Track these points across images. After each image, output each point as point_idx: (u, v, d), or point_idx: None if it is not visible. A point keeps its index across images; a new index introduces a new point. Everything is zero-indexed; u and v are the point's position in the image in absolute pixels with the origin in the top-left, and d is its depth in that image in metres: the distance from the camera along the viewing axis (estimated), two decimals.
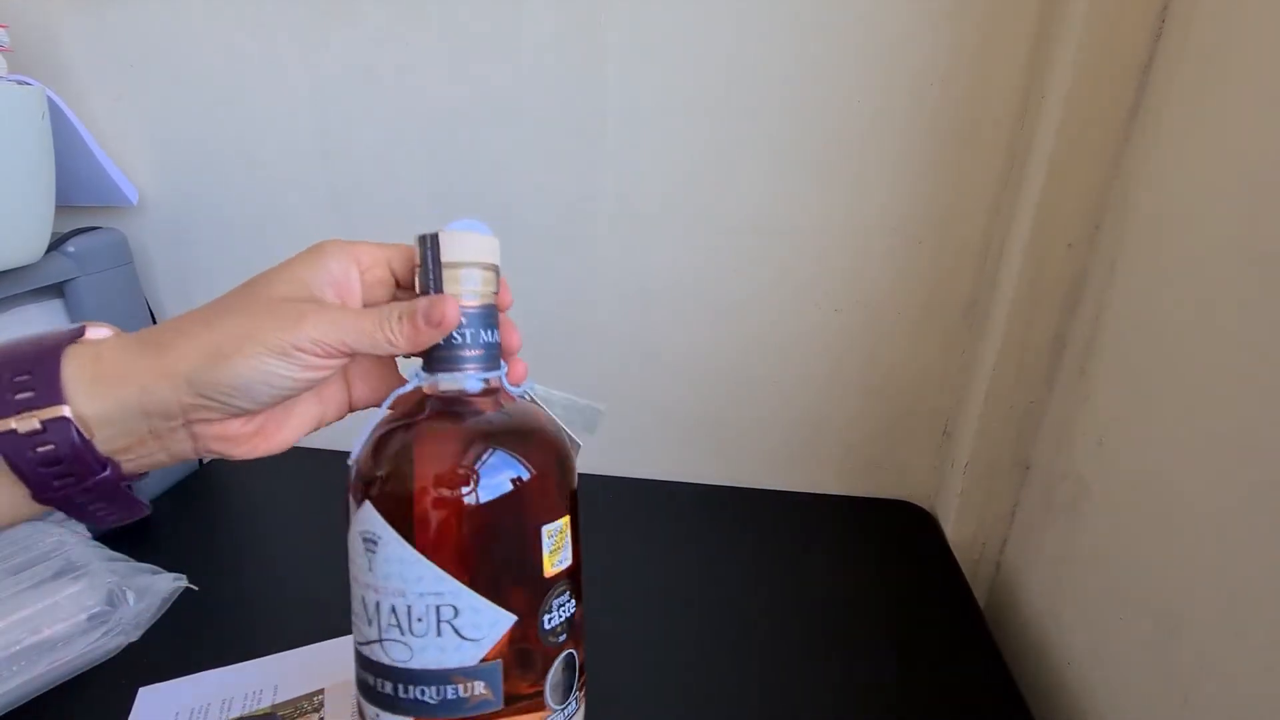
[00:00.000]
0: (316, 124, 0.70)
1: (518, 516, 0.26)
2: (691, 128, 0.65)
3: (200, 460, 0.88)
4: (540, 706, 0.26)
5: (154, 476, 0.78)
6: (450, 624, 0.24)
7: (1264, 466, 0.37)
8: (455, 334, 0.26)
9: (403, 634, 0.24)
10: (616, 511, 0.71)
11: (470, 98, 0.67)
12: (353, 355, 0.28)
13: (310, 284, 0.28)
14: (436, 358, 0.27)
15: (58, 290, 0.69)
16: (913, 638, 0.58)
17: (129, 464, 0.27)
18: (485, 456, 0.25)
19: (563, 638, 0.27)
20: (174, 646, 0.55)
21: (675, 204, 0.68)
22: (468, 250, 0.26)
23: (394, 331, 0.27)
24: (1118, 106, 0.52)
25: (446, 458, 0.25)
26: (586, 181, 0.68)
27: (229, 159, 0.73)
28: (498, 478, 0.25)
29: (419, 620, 0.24)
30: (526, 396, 0.29)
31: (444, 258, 0.26)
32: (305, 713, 0.50)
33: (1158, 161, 0.49)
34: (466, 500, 0.25)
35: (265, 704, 0.51)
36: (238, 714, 0.50)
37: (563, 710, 0.27)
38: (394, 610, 0.24)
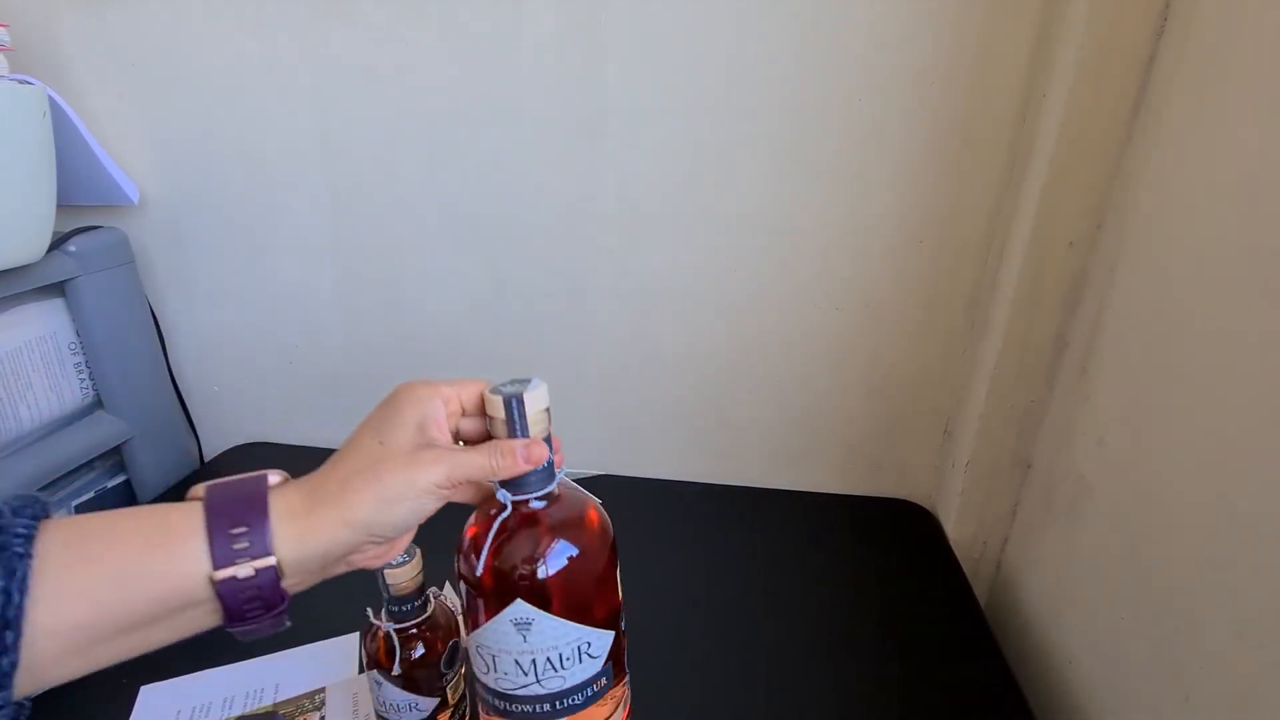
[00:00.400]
0: (317, 123, 0.70)
1: (609, 573, 0.37)
2: (692, 127, 0.65)
3: (201, 459, 0.88)
4: (624, 672, 0.40)
5: (156, 475, 0.79)
6: (587, 653, 0.35)
7: (1265, 466, 0.37)
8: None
9: (557, 671, 0.35)
10: (618, 511, 0.71)
11: (470, 97, 0.67)
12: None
13: (424, 429, 0.34)
14: (522, 482, 0.35)
15: (59, 289, 0.69)
16: (913, 636, 0.58)
17: (293, 589, 0.32)
18: (588, 544, 0.36)
19: (624, 631, 0.39)
20: (176, 644, 0.55)
21: (675, 203, 0.68)
22: (539, 403, 0.35)
23: (499, 465, 0.34)
24: (1119, 105, 0.52)
25: (567, 554, 0.35)
26: (586, 181, 0.68)
27: (230, 158, 0.73)
28: (598, 555, 0.37)
29: (568, 659, 0.35)
30: (562, 478, 0.38)
31: (528, 413, 0.34)
32: (306, 711, 0.50)
33: (1159, 161, 0.49)
34: (587, 578, 0.36)
35: (267, 702, 0.51)
36: (239, 712, 0.50)
37: (628, 671, 0.41)
38: (549, 660, 0.35)
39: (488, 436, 0.36)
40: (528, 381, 0.35)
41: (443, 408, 0.35)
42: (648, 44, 0.62)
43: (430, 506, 0.33)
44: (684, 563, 0.66)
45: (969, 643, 0.58)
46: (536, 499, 0.36)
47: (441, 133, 0.69)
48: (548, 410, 0.35)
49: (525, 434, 0.34)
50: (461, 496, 0.37)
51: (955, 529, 0.71)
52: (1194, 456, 0.43)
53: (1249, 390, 0.39)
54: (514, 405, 0.34)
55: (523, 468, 0.34)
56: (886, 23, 0.58)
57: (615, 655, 0.38)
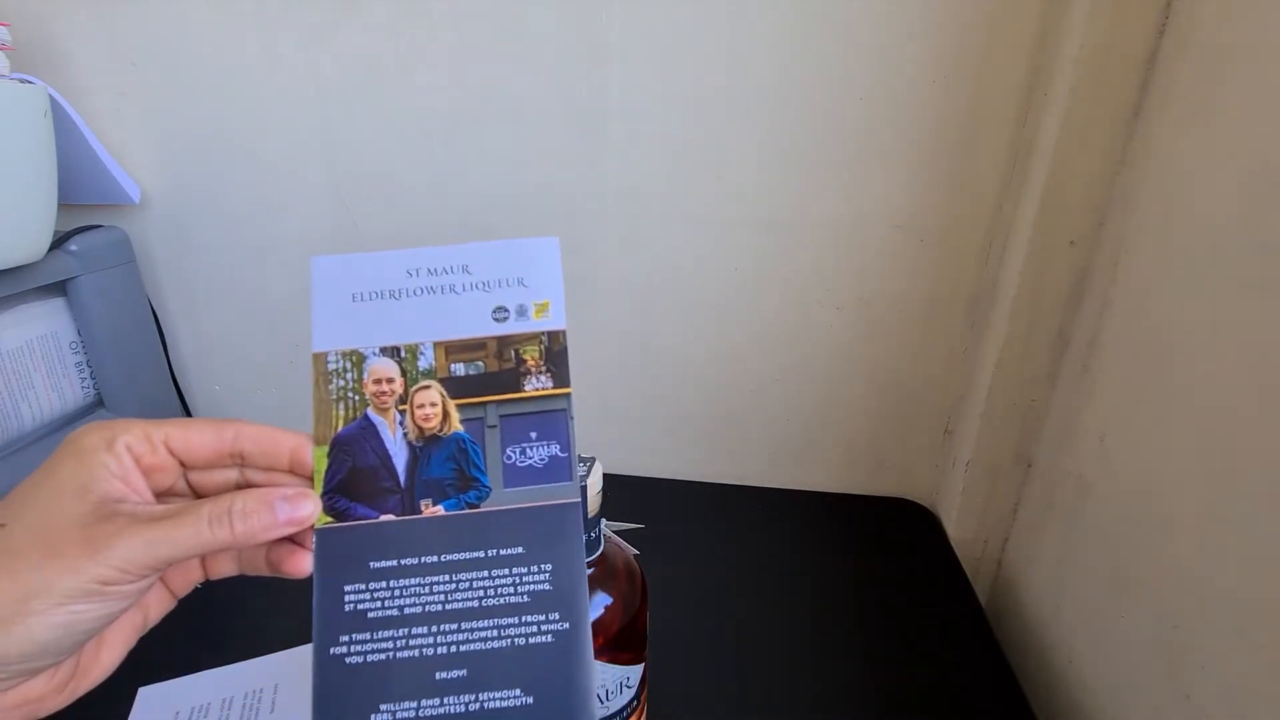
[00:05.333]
0: (319, 120, 0.70)
1: (644, 617, 0.40)
2: (694, 124, 0.64)
3: None
4: (644, 691, 0.43)
5: None
6: (626, 685, 0.39)
7: (1266, 465, 0.37)
8: (590, 535, 0.35)
9: (603, 704, 0.38)
10: (619, 511, 0.71)
11: (472, 93, 0.67)
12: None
13: (93, 491, 0.24)
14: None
15: (60, 289, 0.69)
16: (914, 636, 0.58)
17: None
18: (631, 598, 0.39)
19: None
20: (173, 645, 0.55)
21: (676, 202, 0.68)
22: (597, 485, 0.35)
23: (234, 525, 0.25)
24: (1120, 103, 0.52)
25: (617, 611, 0.38)
26: (588, 179, 0.68)
27: (231, 156, 0.73)
28: (640, 606, 0.39)
29: (612, 693, 0.38)
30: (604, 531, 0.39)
31: (589, 495, 0.34)
32: None
33: (1161, 158, 0.49)
34: (632, 628, 0.39)
35: (266, 703, 0.51)
36: (238, 713, 0.50)
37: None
38: (598, 696, 0.37)
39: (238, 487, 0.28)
40: (582, 459, 0.35)
41: (124, 460, 0.25)
42: (650, 41, 0.62)
43: (102, 614, 0.23)
44: (682, 561, 0.66)
45: (969, 641, 0.58)
46: (588, 563, 0.37)
47: (443, 128, 0.69)
48: (600, 488, 0.36)
49: (585, 517, 0.34)
50: (189, 577, 0.29)
51: (956, 528, 0.70)
52: (1195, 455, 0.43)
53: (1250, 389, 0.39)
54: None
55: (282, 530, 0.26)
56: (888, 21, 0.58)
57: (642, 678, 0.42)
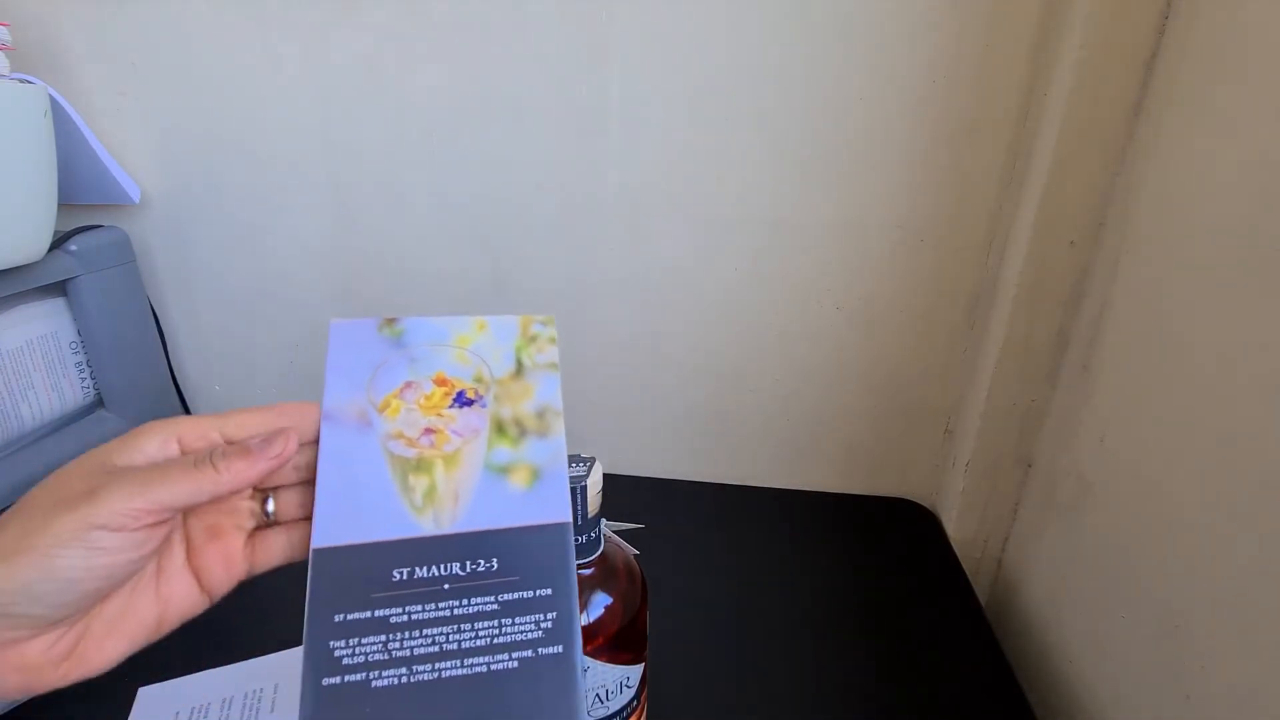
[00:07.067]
0: (319, 120, 0.70)
1: (644, 617, 0.41)
2: (694, 125, 0.65)
3: None
4: (644, 691, 0.43)
5: None
6: (626, 685, 0.40)
7: (1266, 464, 0.37)
8: (590, 534, 0.37)
9: (603, 704, 0.39)
10: (619, 511, 0.71)
11: (472, 93, 0.67)
12: (170, 516, 0.26)
13: (115, 464, 0.26)
14: (579, 549, 0.36)
15: (60, 289, 0.69)
16: (914, 635, 0.58)
17: None
18: (631, 599, 0.39)
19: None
20: (174, 644, 0.55)
21: (677, 201, 0.68)
22: (598, 485, 0.36)
23: (218, 468, 0.26)
24: (1120, 104, 0.52)
25: (617, 611, 0.38)
26: (588, 179, 0.68)
27: (231, 156, 0.73)
28: (640, 606, 0.40)
29: (612, 693, 0.39)
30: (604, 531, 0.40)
31: (589, 496, 0.35)
32: None
33: (1161, 159, 0.49)
34: (632, 629, 0.39)
35: (267, 702, 0.51)
36: (238, 713, 0.50)
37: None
38: (598, 695, 0.38)
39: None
40: (583, 459, 0.36)
41: (174, 446, 0.27)
42: (650, 40, 0.62)
43: (92, 564, 0.24)
44: (682, 561, 0.66)
45: (969, 641, 0.58)
46: (587, 563, 0.38)
47: (443, 130, 0.69)
48: (600, 488, 0.37)
49: (585, 517, 0.35)
50: (230, 570, 0.30)
51: (956, 528, 0.70)
52: (1195, 455, 0.43)
53: (1250, 389, 0.39)
54: (578, 494, 0.34)
55: (262, 465, 0.27)
56: (888, 21, 0.58)
57: (641, 682, 0.42)
